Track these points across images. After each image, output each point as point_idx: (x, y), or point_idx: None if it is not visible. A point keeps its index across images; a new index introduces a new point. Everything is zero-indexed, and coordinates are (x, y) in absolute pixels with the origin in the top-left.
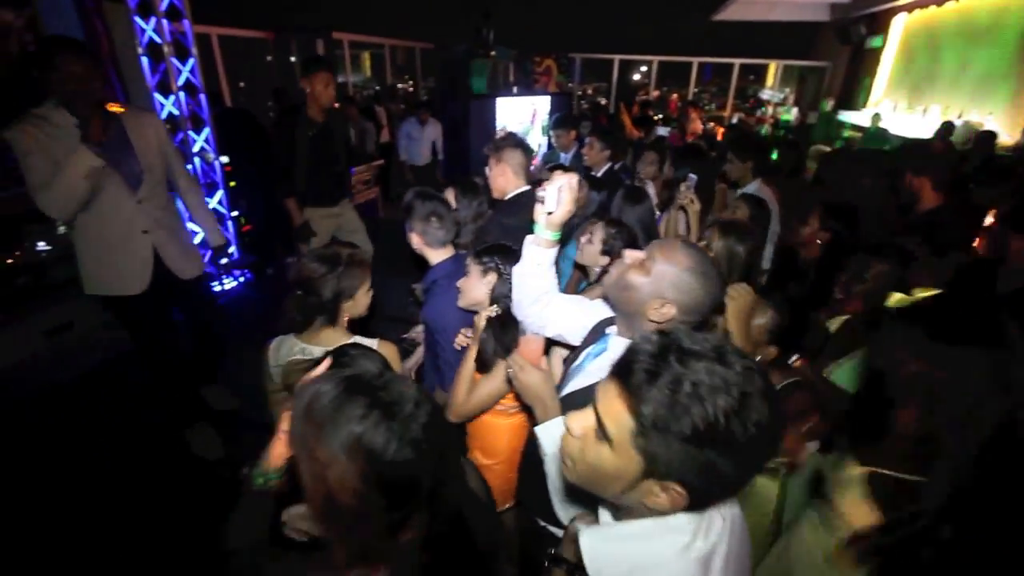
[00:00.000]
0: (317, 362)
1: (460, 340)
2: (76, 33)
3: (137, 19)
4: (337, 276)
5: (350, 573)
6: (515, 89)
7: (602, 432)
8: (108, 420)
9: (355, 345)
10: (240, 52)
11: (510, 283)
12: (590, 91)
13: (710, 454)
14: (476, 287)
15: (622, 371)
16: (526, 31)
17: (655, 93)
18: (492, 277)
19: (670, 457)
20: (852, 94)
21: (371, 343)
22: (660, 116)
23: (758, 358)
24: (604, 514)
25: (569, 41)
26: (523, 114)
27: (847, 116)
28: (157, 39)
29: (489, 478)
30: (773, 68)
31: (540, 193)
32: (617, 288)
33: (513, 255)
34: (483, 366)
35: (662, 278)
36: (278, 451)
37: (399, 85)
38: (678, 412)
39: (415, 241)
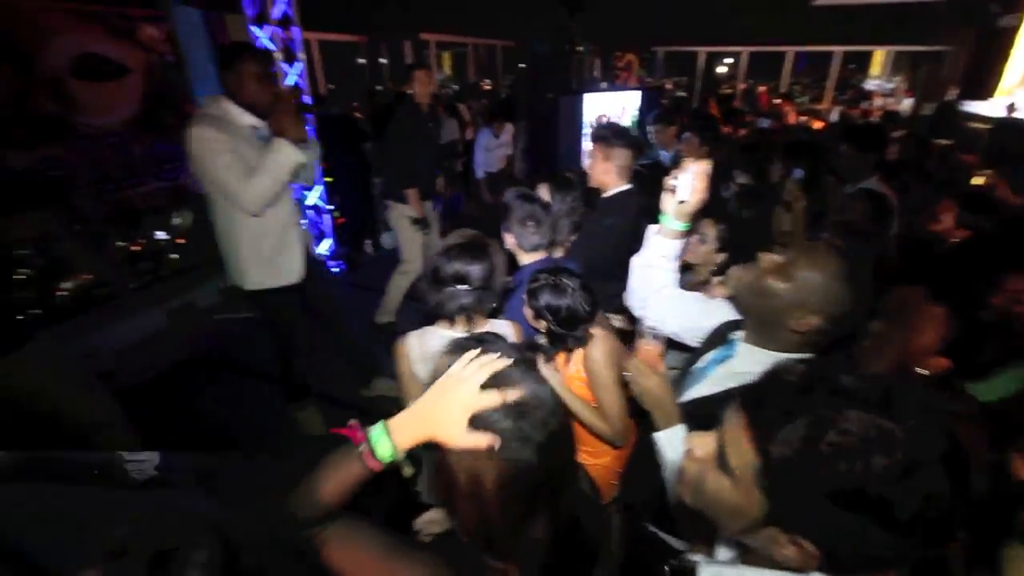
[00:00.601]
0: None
1: None
2: (203, 42)
3: (253, 28)
4: (486, 266)
5: (485, 565)
6: (603, 85)
7: (724, 463)
8: (224, 394)
9: (495, 335)
10: (330, 55)
11: (558, 328)
12: (669, 86)
13: (856, 520)
14: (531, 322)
15: (754, 401)
16: (605, 23)
17: (741, 86)
18: (542, 325)
19: (800, 510)
20: (980, 81)
21: (503, 324)
22: (749, 111)
23: (924, 371)
24: (722, 550)
25: (649, 33)
26: (612, 110)
27: (973, 107)
28: (271, 46)
29: (594, 474)
30: (880, 56)
31: (671, 182)
32: (752, 294)
33: (561, 292)
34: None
35: (806, 285)
36: (408, 439)
37: (481, 84)
38: (815, 462)
39: (508, 241)
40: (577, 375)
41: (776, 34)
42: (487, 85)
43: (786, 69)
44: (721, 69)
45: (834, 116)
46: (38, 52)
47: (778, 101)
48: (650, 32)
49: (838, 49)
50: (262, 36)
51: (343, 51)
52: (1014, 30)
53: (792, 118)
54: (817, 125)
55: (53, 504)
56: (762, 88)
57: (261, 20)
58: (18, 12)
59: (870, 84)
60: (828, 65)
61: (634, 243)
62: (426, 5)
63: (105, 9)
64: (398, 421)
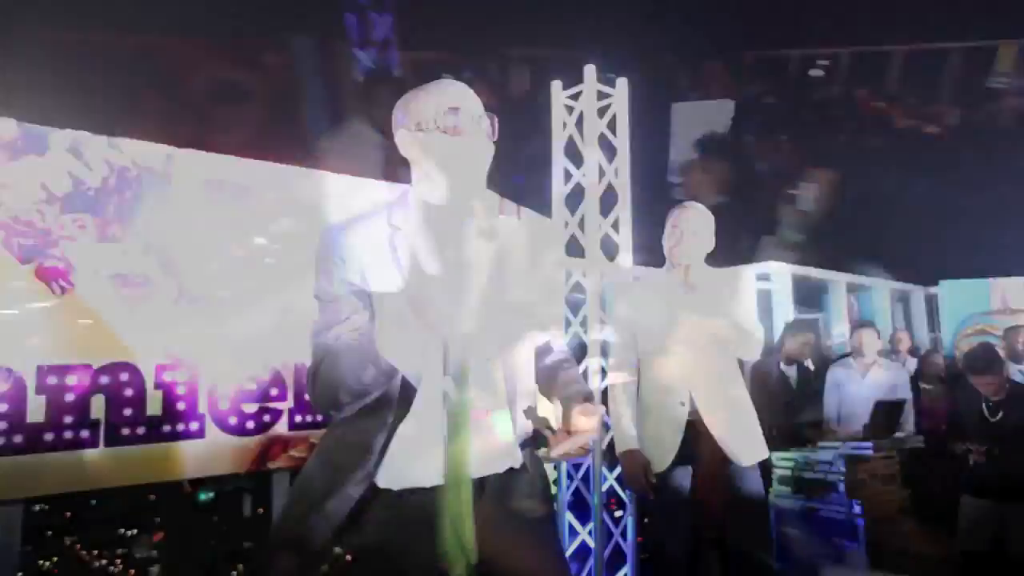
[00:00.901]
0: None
1: None
2: (316, 67)
3: (358, 52)
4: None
5: None
6: (690, 96)
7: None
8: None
9: None
10: (415, 72)
11: None
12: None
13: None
14: None
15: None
16: (692, 31)
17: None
18: None
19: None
20: None
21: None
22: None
23: None
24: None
25: (738, 38)
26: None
27: None
28: (371, 66)
29: None
30: (1009, 51)
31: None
32: None
33: None
34: None
35: None
36: None
37: None
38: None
39: None
40: None
41: (879, 32)
42: None
43: (894, 71)
44: (817, 72)
45: (952, 120)
46: (182, 81)
47: (881, 105)
48: (739, 38)
49: (956, 45)
50: (365, 59)
51: (428, 68)
52: None
53: (899, 123)
54: (930, 129)
55: None
56: (860, 93)
57: (365, 44)
58: (165, 47)
59: (998, 83)
60: (943, 63)
61: None
62: (508, 21)
63: (237, 41)
64: None
